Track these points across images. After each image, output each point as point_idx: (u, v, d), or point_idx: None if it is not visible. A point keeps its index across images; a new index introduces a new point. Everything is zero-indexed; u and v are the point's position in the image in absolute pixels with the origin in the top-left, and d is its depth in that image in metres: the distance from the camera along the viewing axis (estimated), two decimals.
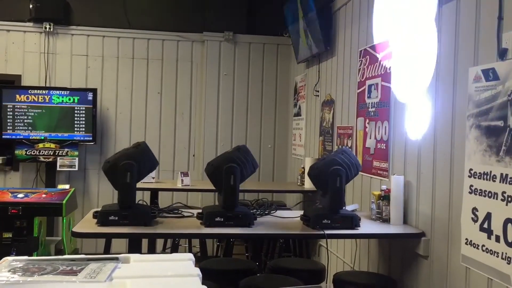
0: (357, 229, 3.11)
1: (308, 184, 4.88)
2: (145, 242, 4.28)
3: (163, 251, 5.25)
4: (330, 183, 3.05)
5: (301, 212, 3.35)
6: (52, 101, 5.79)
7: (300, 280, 3.16)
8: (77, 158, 5.81)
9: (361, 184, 4.06)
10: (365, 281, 3.24)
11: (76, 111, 5.84)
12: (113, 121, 6.23)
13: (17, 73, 6.04)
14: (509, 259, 2.26)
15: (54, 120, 5.81)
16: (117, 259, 1.41)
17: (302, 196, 5.41)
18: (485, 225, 2.43)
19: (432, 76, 3.05)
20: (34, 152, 5.74)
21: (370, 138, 3.91)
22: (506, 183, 2.30)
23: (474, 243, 2.52)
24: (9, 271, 1.26)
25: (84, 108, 5.84)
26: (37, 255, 4.37)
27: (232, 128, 6.42)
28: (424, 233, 3.06)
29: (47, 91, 5.81)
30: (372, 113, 3.90)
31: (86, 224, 3.02)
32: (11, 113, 5.72)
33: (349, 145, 4.31)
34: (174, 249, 4.90)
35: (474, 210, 2.52)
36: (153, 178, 5.14)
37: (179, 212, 3.41)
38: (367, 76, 4.01)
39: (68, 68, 6.14)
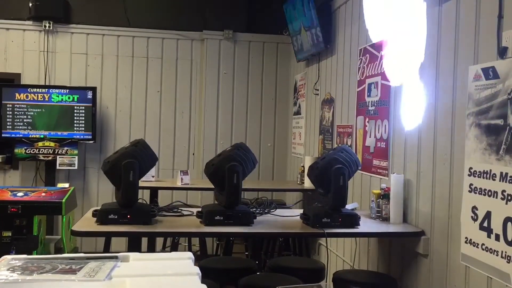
0: (357, 228, 3.10)
1: (308, 183, 4.88)
2: (144, 241, 4.27)
3: (163, 249, 5.26)
4: (334, 182, 3.04)
5: (301, 211, 3.35)
6: (52, 99, 5.79)
7: (300, 279, 3.16)
8: (76, 157, 5.80)
9: (360, 182, 4.06)
10: (365, 280, 3.23)
11: (75, 110, 5.83)
12: (112, 119, 6.22)
13: (16, 71, 6.03)
14: (508, 257, 2.26)
15: (54, 119, 5.80)
16: (116, 257, 1.40)
17: (302, 194, 5.40)
18: (485, 224, 2.43)
19: (432, 75, 3.05)
20: (33, 150, 5.73)
21: (370, 137, 3.91)
22: (506, 181, 2.30)
23: (474, 242, 2.52)
24: (8, 269, 1.26)
25: (83, 107, 5.84)
26: (36, 254, 4.37)
27: (232, 127, 6.42)
28: (424, 232, 3.06)
29: (46, 89, 5.80)
30: (372, 112, 3.89)
31: (86, 222, 3.02)
32: (10, 111, 5.71)
33: (349, 143, 4.30)
34: (174, 247, 4.90)
35: (474, 208, 2.52)
36: (153, 176, 5.13)
37: (179, 210, 3.41)
38: (367, 75, 4.01)
39: (68, 66, 6.13)
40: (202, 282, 1.27)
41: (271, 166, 6.53)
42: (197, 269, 1.34)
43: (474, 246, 2.52)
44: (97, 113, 5.99)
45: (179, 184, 5.09)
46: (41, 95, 5.76)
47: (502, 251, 2.31)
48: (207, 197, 5.88)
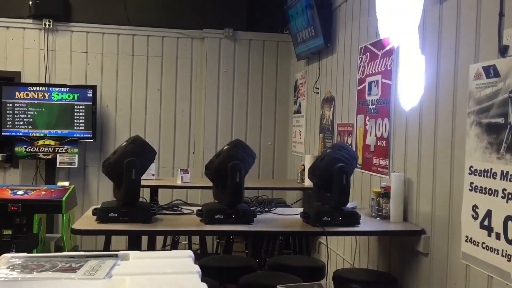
0: (357, 226, 3.10)
1: (308, 182, 4.87)
2: (144, 239, 4.27)
3: (163, 248, 5.26)
4: (337, 181, 3.03)
5: (301, 210, 3.35)
6: (52, 98, 5.78)
7: (300, 277, 3.16)
8: (76, 155, 5.80)
9: (361, 181, 4.06)
10: (365, 278, 3.23)
11: (75, 108, 5.83)
12: (112, 118, 6.22)
13: (16, 70, 6.03)
14: (509, 256, 2.26)
15: (54, 117, 5.80)
16: (116, 256, 1.40)
17: (302, 193, 5.40)
18: (486, 223, 2.43)
19: (433, 73, 3.04)
20: (33, 149, 5.73)
21: (370, 135, 3.90)
22: (506, 180, 2.29)
23: (474, 241, 2.52)
24: (7, 268, 1.26)
25: (83, 105, 5.83)
26: (36, 252, 4.37)
27: (232, 125, 6.42)
28: (424, 231, 3.05)
29: (46, 88, 5.80)
30: (372, 110, 3.89)
31: (86, 221, 3.01)
32: (10, 110, 5.71)
33: (349, 142, 4.30)
34: (174, 246, 4.90)
35: (475, 207, 2.52)
36: (153, 175, 5.13)
37: (179, 209, 3.41)
38: (368, 73, 4.00)
39: (68, 65, 6.13)
40: (202, 280, 1.27)
41: (271, 164, 6.53)
42: (197, 268, 1.34)
43: (474, 244, 2.52)
44: (97, 112, 5.99)
45: (179, 183, 5.08)
46: (41, 94, 5.76)
47: (502, 250, 2.31)
48: (207, 195, 5.85)
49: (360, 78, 4.15)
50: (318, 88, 5.29)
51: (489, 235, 2.40)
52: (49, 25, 5.99)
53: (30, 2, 5.90)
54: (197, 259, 1.62)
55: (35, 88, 5.77)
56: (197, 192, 6.13)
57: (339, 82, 4.70)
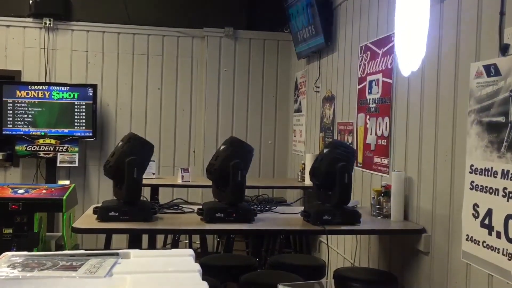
0: (358, 225, 3.10)
1: (309, 181, 4.87)
2: (145, 238, 4.28)
3: (164, 247, 5.26)
4: (339, 180, 3.03)
5: (302, 208, 3.35)
6: (52, 97, 5.78)
7: (301, 276, 3.16)
8: (77, 154, 5.80)
9: (361, 180, 4.06)
10: (366, 277, 3.23)
11: (76, 107, 5.83)
12: (113, 117, 6.22)
13: (17, 68, 6.03)
14: (510, 255, 2.26)
15: (54, 116, 5.80)
16: (117, 254, 1.40)
17: (303, 192, 5.40)
18: (486, 221, 2.43)
19: (433, 73, 3.04)
20: (34, 148, 5.73)
21: (370, 134, 3.90)
22: (507, 179, 2.29)
23: (475, 239, 2.52)
24: (8, 266, 1.26)
25: (84, 104, 5.83)
26: (37, 251, 4.37)
27: (232, 124, 6.41)
28: (425, 229, 3.05)
29: (47, 87, 5.80)
30: (373, 109, 3.89)
31: (87, 219, 3.01)
32: (11, 109, 5.71)
33: (350, 141, 4.30)
34: (175, 245, 4.90)
35: (475, 206, 2.52)
36: (154, 174, 5.13)
37: (180, 208, 3.41)
38: (368, 72, 4.00)
39: (68, 63, 6.13)
40: (203, 279, 1.27)
41: (271, 163, 6.53)
42: (197, 266, 1.34)
43: (475, 243, 2.52)
44: (98, 110, 5.99)
45: (179, 182, 5.08)
46: (41, 92, 5.76)
47: (503, 249, 2.31)
48: (207, 194, 5.85)
49: (360, 77, 4.15)
50: (318, 87, 5.29)
51: (490, 233, 2.40)
52: (49, 24, 5.99)
53: (31, 1, 5.89)
54: (198, 258, 1.62)
55: (35, 87, 5.77)
56: (197, 191, 6.13)
57: (339, 81, 4.70)
